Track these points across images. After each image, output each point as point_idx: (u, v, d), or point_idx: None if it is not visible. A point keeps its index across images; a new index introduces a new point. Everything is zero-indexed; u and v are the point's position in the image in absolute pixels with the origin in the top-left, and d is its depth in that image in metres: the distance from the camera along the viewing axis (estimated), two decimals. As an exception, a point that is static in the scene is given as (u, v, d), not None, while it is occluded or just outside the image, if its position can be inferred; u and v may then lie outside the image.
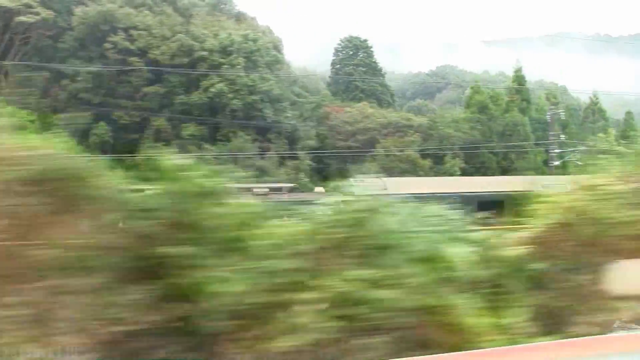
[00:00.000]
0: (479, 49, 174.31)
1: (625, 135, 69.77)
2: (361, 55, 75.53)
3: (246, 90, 44.99)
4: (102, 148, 45.47)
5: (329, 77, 78.19)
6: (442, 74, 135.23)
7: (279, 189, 26.74)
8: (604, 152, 51.01)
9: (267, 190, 25.18)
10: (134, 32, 44.87)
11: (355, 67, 74.09)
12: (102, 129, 46.09)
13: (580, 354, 1.98)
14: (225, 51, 46.70)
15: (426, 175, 46.43)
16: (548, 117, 45.57)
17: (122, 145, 45.84)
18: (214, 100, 44.43)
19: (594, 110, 68.03)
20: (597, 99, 69.62)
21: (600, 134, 50.25)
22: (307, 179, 44.89)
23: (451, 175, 46.53)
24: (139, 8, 47.57)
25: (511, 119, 52.05)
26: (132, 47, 44.85)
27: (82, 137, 45.53)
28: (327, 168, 50.41)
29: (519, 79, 59.03)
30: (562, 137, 44.43)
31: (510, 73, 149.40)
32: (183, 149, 45.12)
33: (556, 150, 43.95)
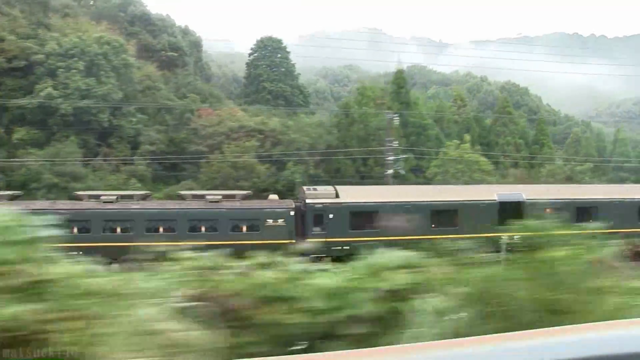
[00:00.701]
0: (460, 49, 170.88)
1: (536, 140, 66.91)
2: (278, 57, 74.21)
3: (77, 94, 44.44)
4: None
5: (244, 77, 77.09)
6: (411, 74, 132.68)
7: (232, 196, 28.96)
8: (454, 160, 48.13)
9: (220, 197, 28.26)
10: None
11: (269, 69, 72.85)
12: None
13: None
14: (66, 54, 46.26)
15: (263, 182, 45.01)
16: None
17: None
18: (44, 105, 44.03)
19: (504, 112, 65.16)
20: (507, 102, 66.73)
21: (455, 140, 48.05)
22: (139, 185, 44.06)
23: (292, 181, 45.02)
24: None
25: (375, 123, 50.03)
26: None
27: None
28: (181, 173, 49.52)
29: (399, 81, 56.67)
30: (395, 143, 42.37)
31: (478, 73, 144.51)
32: (11, 154, 45.07)
33: (390, 158, 42.04)
